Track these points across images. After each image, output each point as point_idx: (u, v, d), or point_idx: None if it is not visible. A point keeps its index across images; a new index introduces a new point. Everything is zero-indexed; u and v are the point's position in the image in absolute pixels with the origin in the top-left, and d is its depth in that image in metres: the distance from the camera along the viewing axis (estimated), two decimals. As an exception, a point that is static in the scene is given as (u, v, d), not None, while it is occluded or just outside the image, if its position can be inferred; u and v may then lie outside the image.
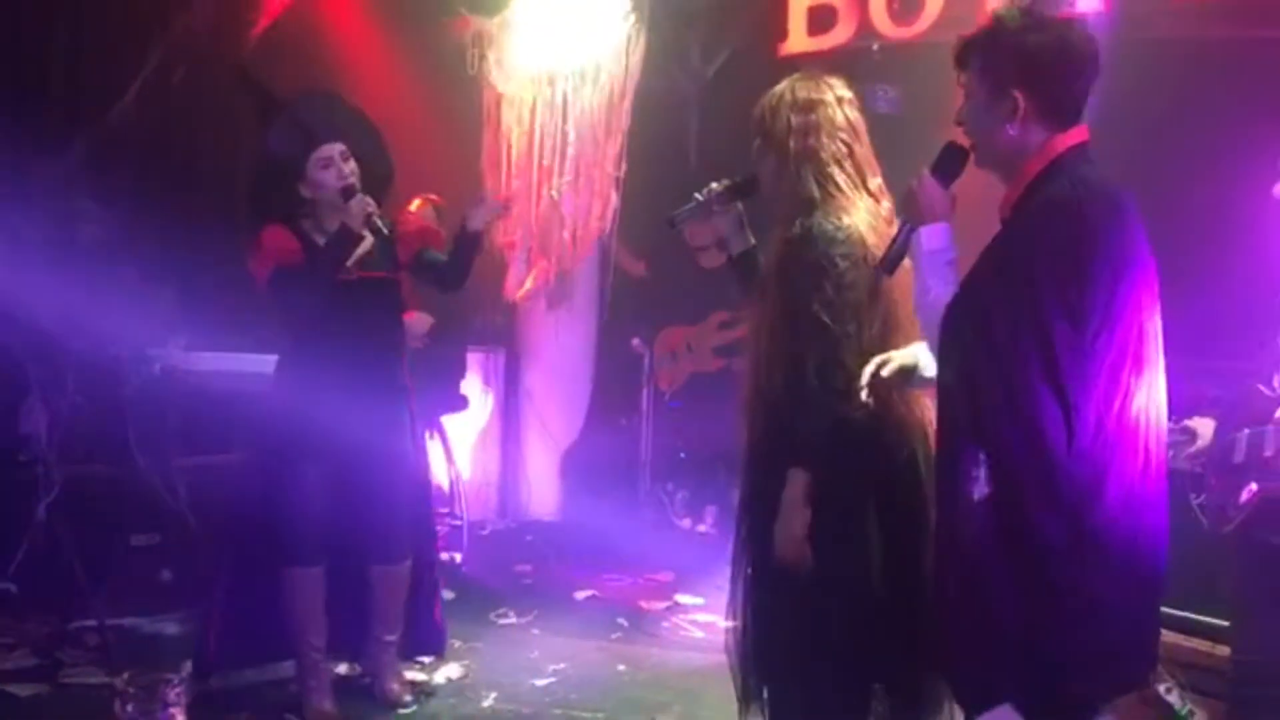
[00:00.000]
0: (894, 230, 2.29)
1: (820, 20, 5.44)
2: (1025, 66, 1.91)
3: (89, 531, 4.18)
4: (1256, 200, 2.76)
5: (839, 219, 2.38)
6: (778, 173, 2.48)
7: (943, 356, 1.99)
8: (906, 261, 2.22)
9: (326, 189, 3.21)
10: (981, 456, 1.85)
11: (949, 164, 2.08)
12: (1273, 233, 2.80)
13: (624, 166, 5.28)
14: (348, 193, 3.18)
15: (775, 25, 5.57)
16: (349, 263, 3.21)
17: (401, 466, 3.37)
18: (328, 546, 3.30)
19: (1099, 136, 2.00)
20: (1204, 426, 2.82)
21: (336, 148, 3.22)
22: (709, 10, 6.10)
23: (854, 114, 2.49)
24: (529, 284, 5.46)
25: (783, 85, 2.52)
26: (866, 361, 2.26)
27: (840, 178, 2.42)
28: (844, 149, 2.46)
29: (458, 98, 5.64)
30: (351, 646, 3.53)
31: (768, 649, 2.51)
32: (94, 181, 4.95)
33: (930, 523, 2.13)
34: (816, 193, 2.41)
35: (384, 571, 3.37)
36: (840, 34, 5.40)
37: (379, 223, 3.19)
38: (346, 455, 3.24)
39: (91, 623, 3.90)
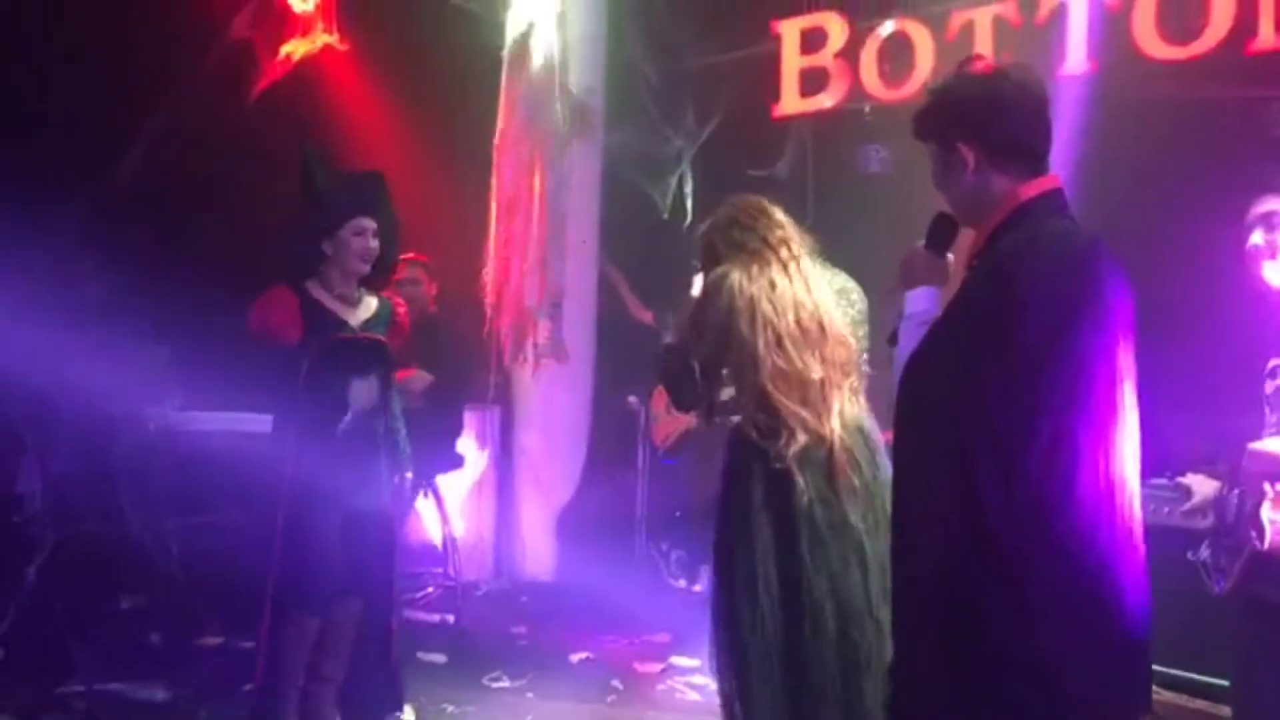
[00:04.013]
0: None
1: (812, 83, 5.54)
2: (960, 119, 1.95)
3: (78, 593, 4.14)
4: (1236, 256, 2.79)
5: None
6: None
7: (899, 411, 1.96)
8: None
9: (350, 255, 3.36)
10: (929, 516, 1.82)
11: (938, 233, 2.13)
12: (1248, 287, 2.82)
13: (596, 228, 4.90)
14: (366, 260, 3.36)
15: (768, 88, 5.67)
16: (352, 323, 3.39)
17: (381, 517, 3.45)
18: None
19: (1084, 195, 2.04)
20: (1198, 483, 2.81)
21: (373, 224, 3.39)
22: (702, 72, 6.20)
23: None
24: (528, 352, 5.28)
25: None
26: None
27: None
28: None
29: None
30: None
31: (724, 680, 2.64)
32: (96, 241, 4.98)
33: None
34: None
35: (349, 612, 3.40)
36: (832, 96, 5.50)
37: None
38: (348, 506, 3.31)
39: (78, 688, 3.84)
